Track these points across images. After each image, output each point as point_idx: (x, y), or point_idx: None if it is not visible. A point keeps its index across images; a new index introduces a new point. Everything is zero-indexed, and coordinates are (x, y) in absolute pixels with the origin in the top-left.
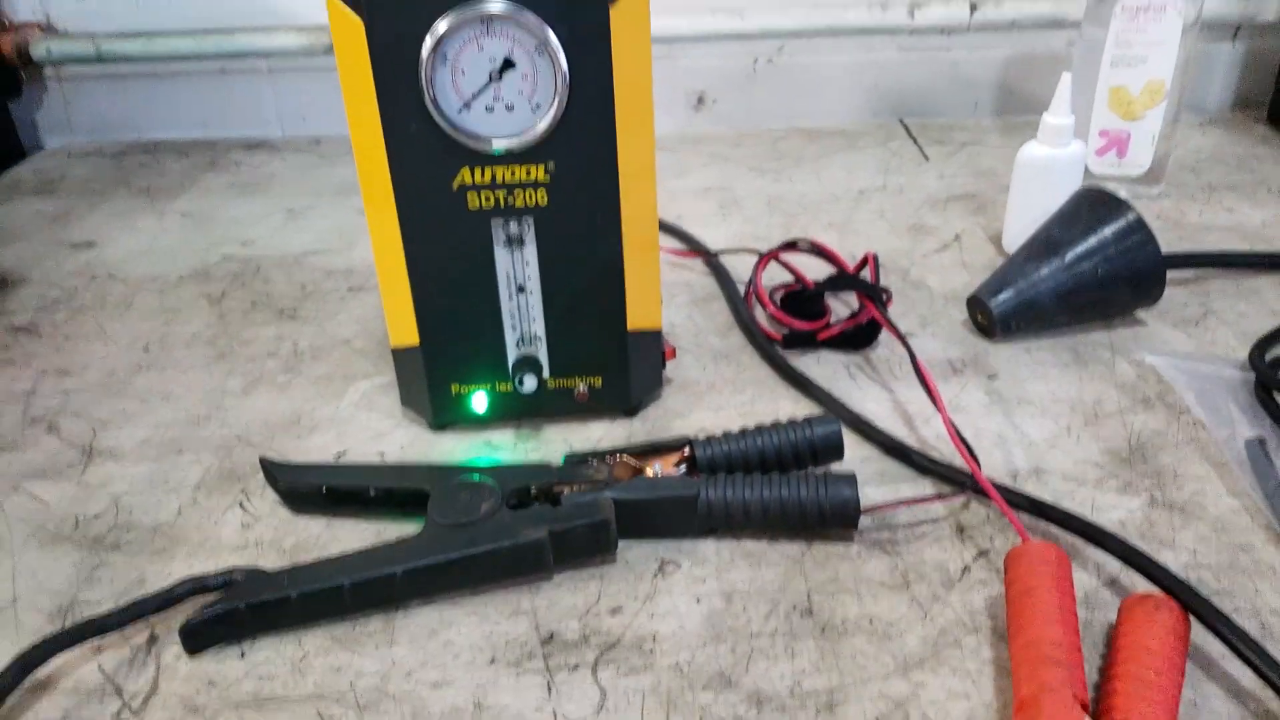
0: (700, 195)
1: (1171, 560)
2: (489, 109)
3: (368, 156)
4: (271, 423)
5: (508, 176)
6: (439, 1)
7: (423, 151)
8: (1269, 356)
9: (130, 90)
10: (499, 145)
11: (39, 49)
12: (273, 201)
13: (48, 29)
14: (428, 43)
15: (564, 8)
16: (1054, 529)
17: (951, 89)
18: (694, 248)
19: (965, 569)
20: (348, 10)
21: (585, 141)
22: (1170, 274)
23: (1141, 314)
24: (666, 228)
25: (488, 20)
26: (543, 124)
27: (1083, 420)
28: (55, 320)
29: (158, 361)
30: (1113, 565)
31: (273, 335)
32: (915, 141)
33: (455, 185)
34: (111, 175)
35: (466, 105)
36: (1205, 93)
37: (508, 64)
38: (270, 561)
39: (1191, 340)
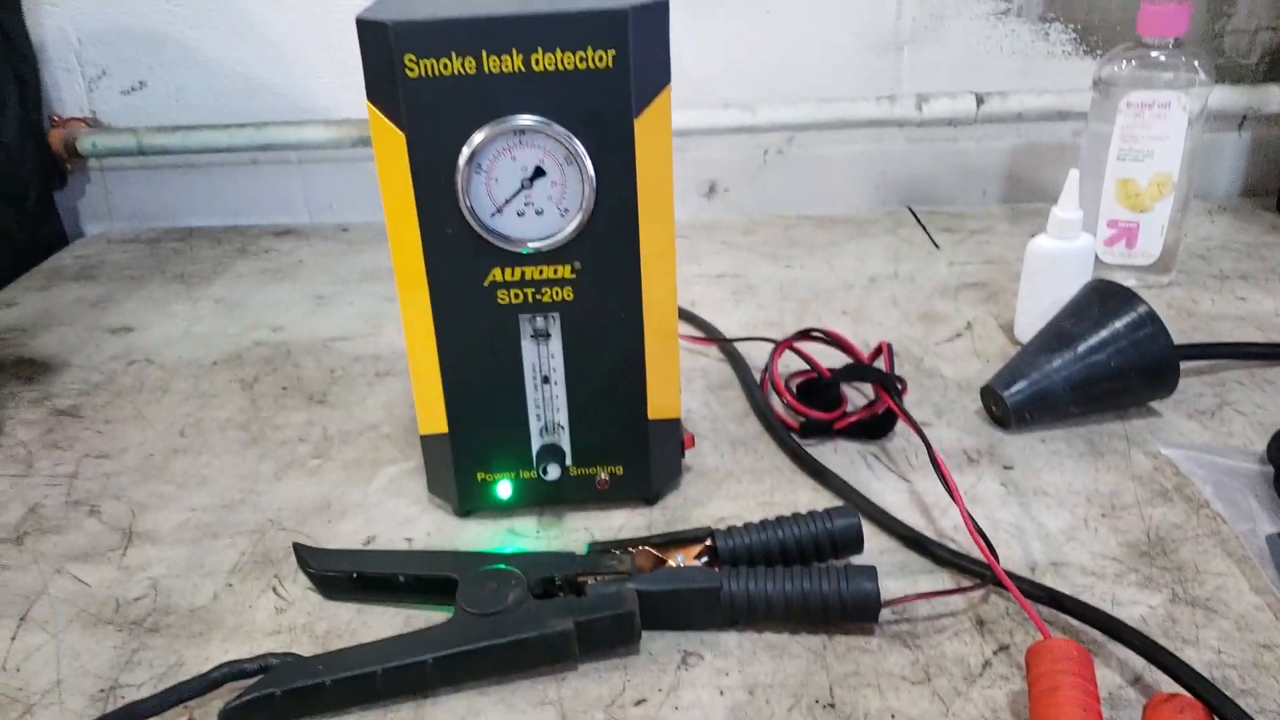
0: (713, 281)
1: (1195, 658)
2: (520, 213)
3: (404, 255)
4: (303, 507)
5: (536, 275)
6: (475, 116)
7: (457, 252)
8: None
9: (167, 179)
10: (528, 246)
11: (85, 143)
12: (301, 288)
13: (94, 124)
14: (464, 153)
15: (591, 121)
16: (1074, 623)
17: (960, 178)
18: (709, 334)
19: (986, 663)
20: (390, 123)
21: (609, 241)
22: (1185, 364)
23: (1156, 405)
24: (682, 314)
25: (520, 133)
26: (570, 226)
27: (1100, 512)
28: (96, 404)
29: (193, 445)
30: (1135, 663)
31: (303, 420)
32: (925, 229)
33: (486, 282)
34: (148, 262)
35: (499, 210)
36: (1213, 180)
37: (538, 172)
38: (303, 646)
39: (1208, 432)
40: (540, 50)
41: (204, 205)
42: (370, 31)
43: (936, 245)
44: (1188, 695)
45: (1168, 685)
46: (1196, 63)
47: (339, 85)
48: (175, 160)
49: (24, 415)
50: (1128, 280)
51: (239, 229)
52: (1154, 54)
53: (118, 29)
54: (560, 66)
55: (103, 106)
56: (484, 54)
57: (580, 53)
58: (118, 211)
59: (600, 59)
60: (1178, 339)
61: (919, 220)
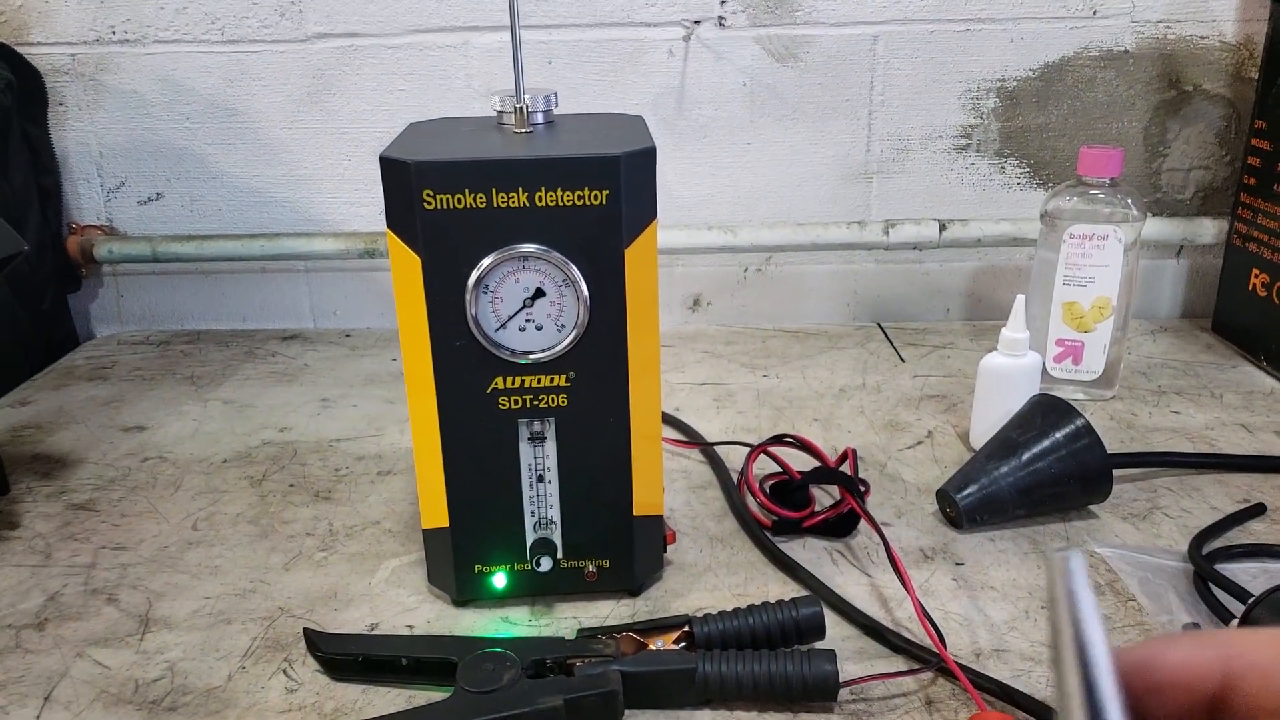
0: (696, 389)
1: None
2: (521, 329)
3: (415, 364)
4: (310, 596)
5: (534, 383)
6: (483, 244)
7: (464, 362)
8: (1206, 550)
9: (177, 285)
10: (528, 358)
11: (101, 250)
12: (307, 390)
13: (110, 232)
14: (473, 276)
15: (587, 250)
16: (1012, 708)
17: (924, 297)
18: (691, 439)
19: None
20: (407, 248)
21: (601, 353)
22: (1122, 471)
23: (1095, 508)
24: (666, 419)
25: (523, 259)
26: (566, 340)
27: (1040, 605)
28: (111, 498)
29: (206, 538)
30: None
31: (310, 516)
32: (891, 344)
33: (489, 389)
34: (158, 363)
35: (503, 325)
36: (1155, 303)
37: (539, 293)
38: None
39: (1139, 533)
40: (543, 189)
41: (212, 310)
42: (393, 169)
43: (902, 359)
44: None
45: None
46: (1130, 200)
47: (347, 201)
48: (186, 267)
49: (41, 509)
50: (1075, 394)
51: (246, 333)
52: (1093, 192)
53: (139, 144)
54: (560, 203)
55: (119, 215)
56: (494, 191)
57: (578, 191)
58: (128, 314)
59: (595, 197)
60: (1118, 449)
61: (886, 335)
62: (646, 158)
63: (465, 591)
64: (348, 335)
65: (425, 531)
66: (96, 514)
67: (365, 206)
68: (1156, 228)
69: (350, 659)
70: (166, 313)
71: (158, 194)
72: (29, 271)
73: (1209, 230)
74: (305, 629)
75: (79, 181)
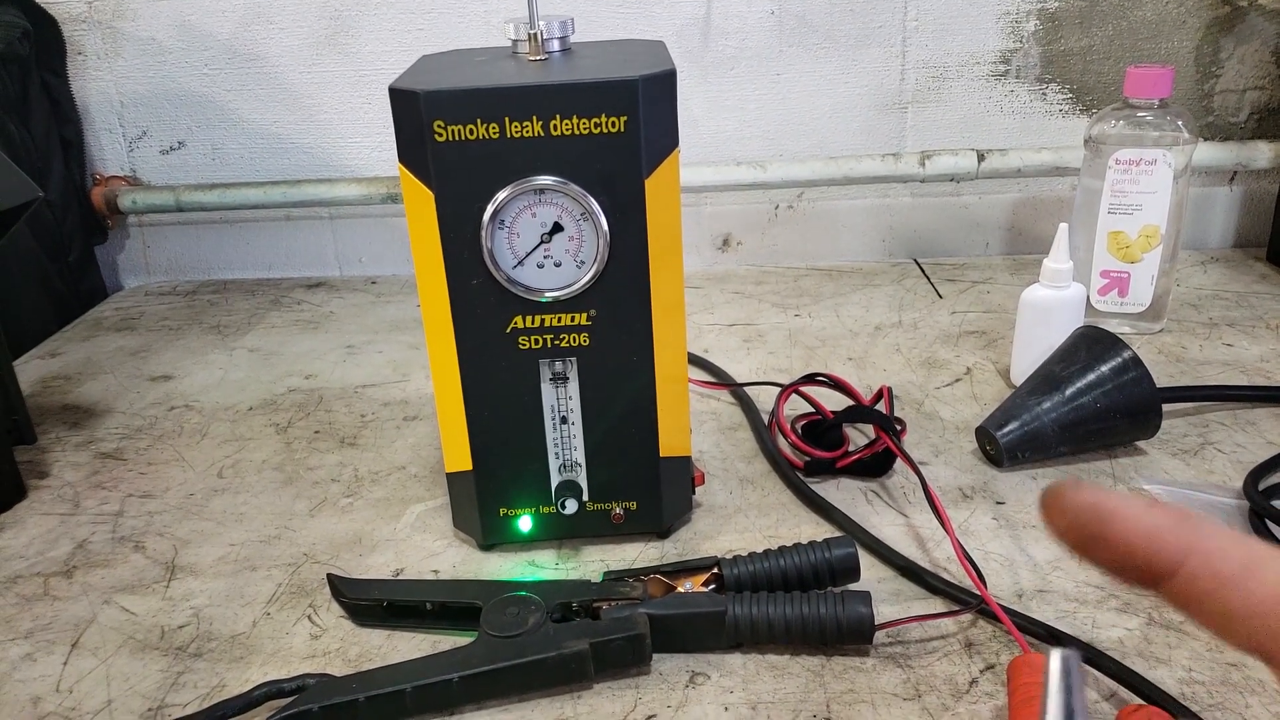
0: (726, 330)
1: (1167, 676)
2: (540, 265)
3: (432, 304)
4: (335, 542)
5: (554, 322)
6: (498, 176)
7: (481, 301)
8: (1263, 486)
9: (203, 235)
10: (547, 295)
11: (126, 200)
12: (332, 338)
13: (134, 182)
14: (488, 211)
15: (605, 181)
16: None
17: (962, 231)
18: (720, 379)
19: (973, 681)
20: (420, 183)
21: (623, 290)
22: (1171, 406)
23: (1143, 444)
24: (695, 360)
25: (540, 191)
26: (586, 277)
27: None
28: (138, 447)
29: (231, 485)
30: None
31: (335, 462)
32: (929, 280)
33: (508, 329)
34: (185, 313)
35: (520, 262)
36: (1207, 232)
37: (557, 228)
38: (337, 669)
39: (1190, 469)
40: (558, 117)
41: (238, 259)
42: (402, 99)
43: (939, 295)
44: (1155, 708)
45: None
46: (1180, 122)
47: (368, 145)
48: (211, 216)
49: (70, 458)
50: (1121, 328)
51: (272, 281)
52: (1141, 114)
53: (159, 92)
54: (576, 131)
55: (142, 165)
56: (507, 120)
57: (595, 119)
58: (155, 265)
59: (613, 124)
60: (1166, 383)
61: (923, 271)
62: (666, 81)
63: (490, 535)
64: (373, 282)
65: (449, 475)
66: (124, 462)
67: (387, 151)
68: (1208, 152)
69: (374, 604)
70: (193, 262)
71: (180, 143)
72: (55, 223)
73: (1265, 154)
74: (329, 574)
75: (101, 132)
